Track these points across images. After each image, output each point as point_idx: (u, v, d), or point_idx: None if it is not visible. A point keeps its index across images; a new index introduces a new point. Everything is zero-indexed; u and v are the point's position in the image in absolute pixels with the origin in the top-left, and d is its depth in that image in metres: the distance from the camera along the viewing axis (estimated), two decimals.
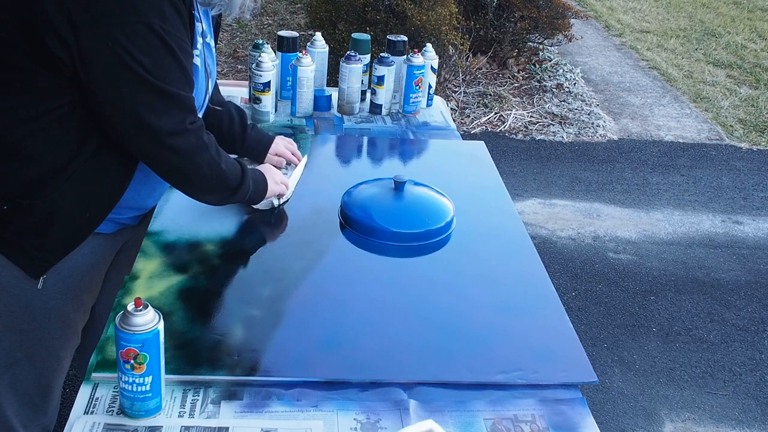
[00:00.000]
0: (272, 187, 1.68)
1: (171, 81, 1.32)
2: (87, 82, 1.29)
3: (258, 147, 1.85)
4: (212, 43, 1.58)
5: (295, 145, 1.94)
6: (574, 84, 5.39)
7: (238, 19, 1.58)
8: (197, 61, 1.45)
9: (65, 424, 1.14)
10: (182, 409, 1.18)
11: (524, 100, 5.13)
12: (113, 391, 1.20)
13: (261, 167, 1.70)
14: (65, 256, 1.46)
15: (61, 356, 1.63)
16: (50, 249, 1.44)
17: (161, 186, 1.61)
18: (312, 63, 2.23)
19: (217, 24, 1.64)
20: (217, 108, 1.78)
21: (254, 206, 1.72)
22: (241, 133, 1.82)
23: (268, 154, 1.86)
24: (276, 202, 1.74)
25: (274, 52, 2.28)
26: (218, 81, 2.66)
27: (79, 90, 1.31)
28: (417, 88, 2.34)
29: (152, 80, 1.29)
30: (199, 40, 1.46)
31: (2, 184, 1.37)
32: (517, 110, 4.93)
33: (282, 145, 1.89)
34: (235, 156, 1.65)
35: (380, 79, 2.29)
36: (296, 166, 1.92)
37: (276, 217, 1.73)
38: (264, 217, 1.72)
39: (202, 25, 1.47)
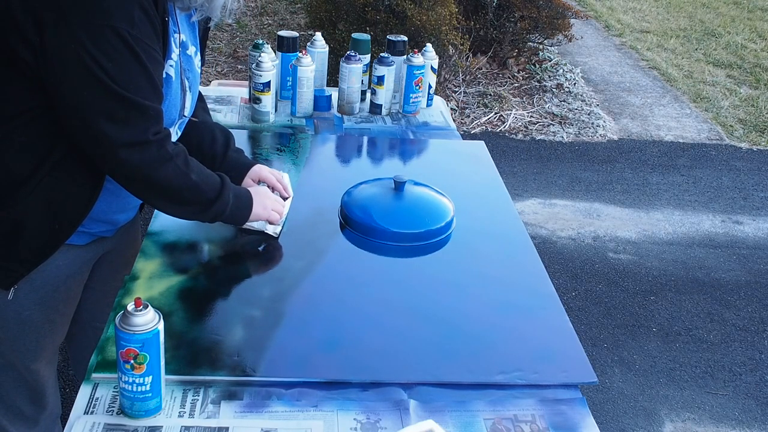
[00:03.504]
0: (258, 211, 1.58)
1: (135, 89, 1.26)
2: (48, 84, 1.24)
3: (236, 169, 1.70)
4: (196, 57, 1.51)
5: (284, 176, 1.78)
6: (574, 84, 5.39)
7: (220, 22, 1.53)
8: (171, 71, 1.39)
9: (65, 424, 1.14)
10: (182, 409, 1.18)
11: (524, 100, 5.13)
12: (113, 391, 1.20)
13: (252, 189, 1.61)
14: (36, 267, 1.41)
15: (34, 369, 1.58)
16: (19, 260, 1.39)
17: (135, 200, 1.55)
18: (312, 63, 2.23)
19: (204, 37, 1.57)
20: (197, 122, 1.68)
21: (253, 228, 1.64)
22: (222, 154, 1.70)
23: (248, 179, 1.71)
24: (272, 230, 1.65)
25: (274, 52, 2.28)
26: (219, 81, 2.66)
27: (44, 94, 1.26)
28: (417, 88, 2.34)
29: (114, 87, 1.23)
30: (175, 50, 1.39)
31: None
32: (517, 110, 4.93)
33: (266, 170, 1.74)
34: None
35: (380, 79, 2.29)
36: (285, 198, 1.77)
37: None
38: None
39: (181, 36, 1.42)
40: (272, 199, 1.63)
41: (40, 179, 1.33)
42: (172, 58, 1.38)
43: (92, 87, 1.22)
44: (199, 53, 1.54)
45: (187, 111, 1.53)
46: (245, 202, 1.55)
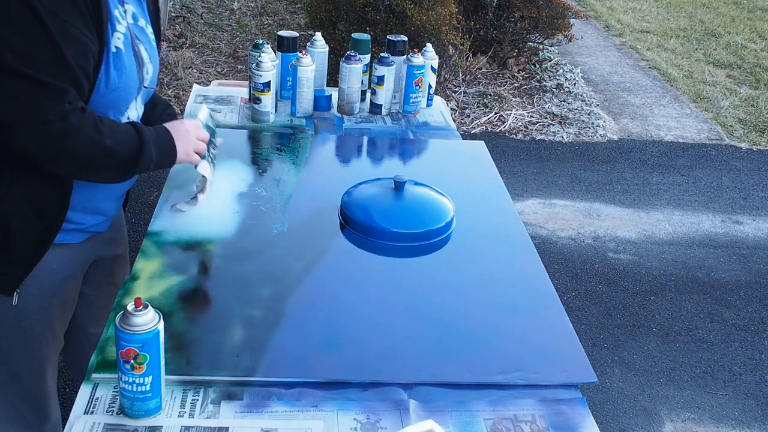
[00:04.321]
0: (181, 158, 1.51)
1: (38, 66, 1.20)
2: None
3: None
4: (148, 28, 1.49)
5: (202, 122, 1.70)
6: (574, 84, 5.39)
7: None
8: (119, 44, 1.34)
9: (65, 424, 1.14)
10: (182, 409, 1.18)
11: (524, 100, 5.13)
12: (113, 391, 1.20)
13: (169, 125, 1.52)
14: (33, 267, 1.40)
15: (40, 379, 1.58)
16: (15, 261, 1.38)
17: (120, 188, 1.54)
18: (312, 63, 2.23)
19: (155, 9, 1.54)
20: None
21: (178, 208, 1.64)
22: (154, 119, 1.63)
23: None
24: (198, 198, 1.65)
25: (274, 52, 2.28)
26: (219, 81, 2.66)
27: None
28: (417, 88, 2.34)
29: (15, 63, 1.18)
30: (122, 22, 1.36)
31: None
32: (517, 110, 4.93)
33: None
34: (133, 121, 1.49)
35: (380, 79, 2.29)
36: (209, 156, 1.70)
37: (276, 217, 1.73)
38: (264, 215, 1.72)
39: (126, 6, 1.40)
40: (193, 140, 1.56)
41: (12, 178, 1.32)
42: (118, 31, 1.35)
43: None
44: (150, 25, 1.50)
45: (148, 82, 1.49)
46: (168, 149, 1.48)
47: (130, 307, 1.08)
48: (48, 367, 1.59)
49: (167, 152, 1.48)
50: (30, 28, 1.18)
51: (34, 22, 1.18)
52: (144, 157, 1.40)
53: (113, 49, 1.33)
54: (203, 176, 1.65)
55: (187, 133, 1.54)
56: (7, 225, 1.34)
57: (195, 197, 1.68)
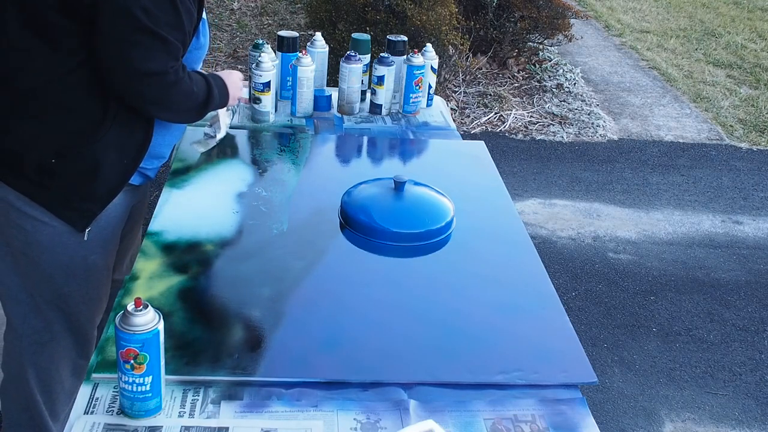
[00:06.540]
0: (233, 92, 1.80)
1: (163, 26, 1.43)
2: (95, 23, 1.40)
3: None
4: None
5: None
6: (574, 84, 5.39)
7: None
8: (204, 15, 1.60)
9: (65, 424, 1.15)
10: (182, 409, 1.18)
11: (524, 100, 5.13)
12: (113, 391, 1.20)
13: (223, 73, 1.80)
14: (107, 206, 1.54)
15: (91, 335, 1.69)
16: (95, 198, 1.53)
17: (177, 134, 1.75)
18: (312, 63, 2.23)
19: None
20: None
21: (197, 148, 1.92)
22: None
23: None
24: (213, 140, 1.95)
25: (274, 52, 2.28)
26: None
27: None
28: (417, 88, 2.34)
29: (146, 23, 1.40)
30: None
31: (50, 138, 1.47)
32: (517, 110, 4.93)
33: None
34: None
35: (380, 79, 2.29)
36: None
37: (276, 217, 1.73)
38: (264, 215, 1.73)
39: None
40: (240, 87, 1.87)
41: (113, 117, 1.49)
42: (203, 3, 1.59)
43: (128, 19, 1.39)
44: None
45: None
46: (225, 93, 1.75)
47: (130, 307, 1.08)
48: (100, 316, 1.70)
49: (223, 95, 1.75)
50: None
51: None
52: (211, 100, 1.67)
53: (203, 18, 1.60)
54: (219, 120, 1.94)
55: (237, 82, 1.85)
56: (99, 164, 1.51)
57: (212, 137, 1.93)
